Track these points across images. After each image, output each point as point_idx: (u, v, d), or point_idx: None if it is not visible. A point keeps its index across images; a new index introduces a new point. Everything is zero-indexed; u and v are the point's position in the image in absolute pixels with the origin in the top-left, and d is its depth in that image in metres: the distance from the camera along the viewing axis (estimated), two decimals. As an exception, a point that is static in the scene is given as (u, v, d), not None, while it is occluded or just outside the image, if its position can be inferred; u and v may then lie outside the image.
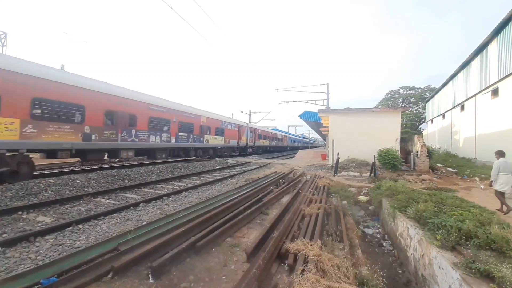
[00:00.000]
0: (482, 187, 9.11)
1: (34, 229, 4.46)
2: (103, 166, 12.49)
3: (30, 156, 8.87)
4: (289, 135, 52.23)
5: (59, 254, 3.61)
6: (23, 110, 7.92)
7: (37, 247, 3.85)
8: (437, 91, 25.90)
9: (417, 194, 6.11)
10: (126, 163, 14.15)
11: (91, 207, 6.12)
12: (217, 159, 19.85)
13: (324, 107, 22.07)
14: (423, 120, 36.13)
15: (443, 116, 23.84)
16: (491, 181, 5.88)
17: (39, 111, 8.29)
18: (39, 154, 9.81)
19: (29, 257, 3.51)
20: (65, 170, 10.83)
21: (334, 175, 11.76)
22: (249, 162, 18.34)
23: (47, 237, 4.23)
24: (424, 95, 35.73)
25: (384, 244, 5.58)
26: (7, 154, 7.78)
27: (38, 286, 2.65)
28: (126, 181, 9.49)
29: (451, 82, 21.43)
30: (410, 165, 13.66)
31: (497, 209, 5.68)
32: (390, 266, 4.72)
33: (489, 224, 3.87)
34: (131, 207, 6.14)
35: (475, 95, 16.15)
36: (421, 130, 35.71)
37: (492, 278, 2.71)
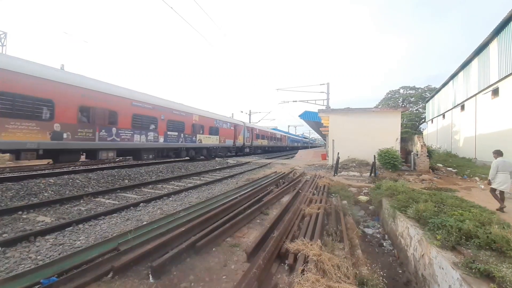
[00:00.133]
0: (482, 187, 9.10)
1: (34, 229, 4.46)
2: (103, 166, 12.47)
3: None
4: (288, 135, 51.26)
5: (59, 254, 3.61)
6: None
7: (37, 247, 3.85)
8: (437, 91, 25.89)
9: (417, 194, 6.12)
10: (126, 163, 13.90)
11: (91, 207, 6.12)
12: (217, 159, 19.82)
13: (324, 107, 22.06)
14: (423, 120, 36.11)
15: (443, 116, 23.83)
16: (489, 180, 6.00)
17: None
18: (8, 155, 9.24)
19: (29, 257, 3.51)
20: (65, 170, 10.83)
21: (334, 175, 11.76)
22: (249, 162, 18.35)
23: (47, 237, 4.23)
24: (424, 95, 35.72)
25: (384, 244, 5.59)
26: None
27: (38, 286, 2.65)
28: (126, 181, 9.49)
29: (451, 82, 21.42)
30: (410, 165, 13.66)
31: (497, 209, 5.69)
32: (390, 266, 4.72)
33: (489, 224, 3.87)
34: (131, 207, 6.15)
35: (475, 95, 16.14)
36: (421, 130, 35.71)
37: (492, 278, 2.71)
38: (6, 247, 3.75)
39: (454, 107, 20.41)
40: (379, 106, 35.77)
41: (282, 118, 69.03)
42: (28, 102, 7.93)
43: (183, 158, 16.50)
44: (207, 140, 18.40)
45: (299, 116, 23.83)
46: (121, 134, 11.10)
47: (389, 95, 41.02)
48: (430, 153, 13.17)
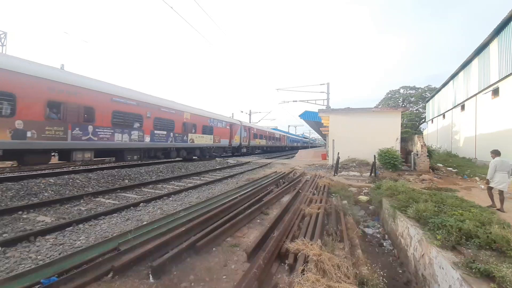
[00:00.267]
0: (483, 187, 9.10)
1: (34, 229, 4.47)
2: (103, 166, 12.47)
3: None
4: (287, 135, 50.21)
5: (59, 254, 3.61)
6: None
7: (37, 246, 3.85)
8: (438, 91, 25.88)
9: (417, 194, 6.12)
10: (126, 163, 13.46)
11: (91, 207, 6.12)
12: (217, 159, 19.76)
13: (324, 107, 22.06)
14: (423, 120, 36.10)
15: (444, 116, 23.82)
16: (488, 180, 6.05)
17: None
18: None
19: (30, 257, 3.52)
20: (65, 170, 10.83)
21: (334, 175, 11.76)
22: (249, 162, 18.37)
23: (47, 236, 4.23)
24: (425, 95, 35.71)
25: (384, 244, 5.58)
26: None
27: (38, 286, 2.65)
28: (126, 181, 9.50)
29: (451, 82, 21.42)
30: (410, 165, 13.65)
31: (497, 209, 5.69)
32: (390, 266, 4.72)
33: (490, 224, 3.87)
34: (131, 207, 6.15)
35: (475, 95, 16.13)
36: (422, 130, 35.69)
37: (492, 278, 2.71)
38: (6, 247, 3.75)
39: (454, 107, 20.40)
40: (379, 106, 35.78)
41: (282, 118, 69.10)
42: None
43: (174, 159, 15.58)
44: (200, 140, 17.37)
45: (299, 116, 23.84)
46: (99, 133, 9.97)
47: (389, 95, 41.01)
48: (430, 153, 13.17)
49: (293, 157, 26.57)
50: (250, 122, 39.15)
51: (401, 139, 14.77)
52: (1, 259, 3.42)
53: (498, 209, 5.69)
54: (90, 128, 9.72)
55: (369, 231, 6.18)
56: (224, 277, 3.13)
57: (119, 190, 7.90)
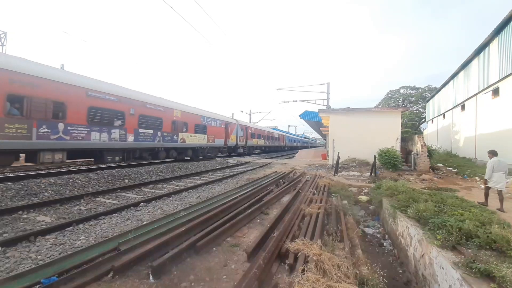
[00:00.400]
0: (483, 186, 9.08)
1: (34, 229, 4.47)
2: (103, 166, 12.45)
3: None
4: (287, 134, 49.19)
5: (59, 254, 3.61)
6: None
7: (37, 246, 3.85)
8: (438, 90, 25.87)
9: (417, 194, 6.12)
10: (126, 163, 13.05)
11: (91, 207, 6.12)
12: (217, 159, 19.70)
13: (324, 107, 22.06)
14: (423, 120, 36.10)
15: (444, 116, 23.82)
16: (486, 180, 6.10)
17: None
18: None
19: (30, 257, 3.52)
20: (65, 170, 10.84)
21: (334, 175, 11.76)
22: (249, 162, 18.37)
23: (47, 236, 4.23)
24: (425, 95, 35.70)
25: (385, 243, 5.58)
26: None
27: (38, 286, 2.65)
28: (127, 180, 9.50)
29: (451, 81, 21.41)
30: (410, 164, 13.65)
31: (497, 209, 5.69)
32: (391, 266, 4.72)
33: (490, 224, 3.87)
34: (132, 207, 6.15)
35: (475, 94, 16.13)
36: (422, 129, 35.69)
37: (492, 277, 2.71)
38: (6, 246, 3.75)
39: (455, 107, 20.40)
40: (380, 106, 35.77)
41: (283, 118, 69.10)
42: None
43: (162, 160, 14.56)
44: (192, 140, 16.29)
45: (300, 116, 23.86)
46: (71, 131, 8.87)
47: (389, 95, 41.00)
48: (430, 153, 13.17)
49: (293, 157, 26.57)
50: (250, 122, 38.97)
51: (401, 139, 14.77)
52: (1, 259, 3.41)
53: (498, 209, 5.69)
54: (61, 125, 8.59)
55: (369, 231, 6.18)
56: (224, 277, 3.13)
57: (119, 190, 7.90)
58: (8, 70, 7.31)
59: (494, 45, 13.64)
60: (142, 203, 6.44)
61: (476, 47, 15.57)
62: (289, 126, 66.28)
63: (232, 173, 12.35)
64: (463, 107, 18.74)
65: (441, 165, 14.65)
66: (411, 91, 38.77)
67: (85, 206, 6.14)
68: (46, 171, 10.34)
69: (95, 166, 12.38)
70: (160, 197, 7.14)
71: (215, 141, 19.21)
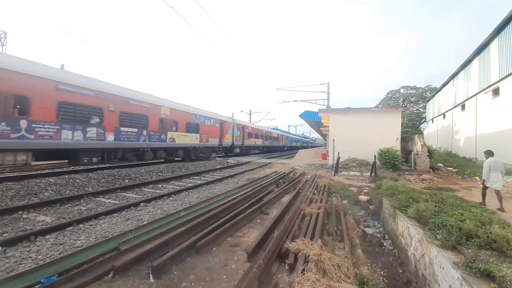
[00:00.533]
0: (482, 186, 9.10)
1: (34, 229, 4.47)
2: (104, 166, 12.45)
3: None
4: (286, 134, 48.17)
5: (59, 254, 3.62)
6: None
7: (37, 246, 3.85)
8: (438, 90, 25.86)
9: (417, 194, 6.12)
10: (127, 162, 12.81)
11: (91, 207, 6.13)
12: (217, 159, 19.65)
13: (324, 107, 22.06)
14: (423, 120, 36.08)
15: (444, 116, 23.80)
16: (483, 180, 6.13)
17: None
18: None
19: (30, 257, 3.52)
20: (65, 169, 10.84)
21: (334, 175, 11.75)
22: (249, 161, 18.38)
23: (47, 236, 4.24)
24: (425, 95, 35.68)
25: (385, 243, 5.58)
26: None
27: (38, 286, 2.66)
28: (127, 180, 9.50)
29: (451, 81, 21.40)
30: (410, 164, 13.65)
31: (497, 209, 5.70)
32: (391, 266, 4.71)
33: (490, 223, 3.86)
34: (132, 207, 6.15)
35: (475, 94, 16.11)
36: (422, 129, 35.68)
37: (492, 277, 2.71)
38: (6, 246, 3.76)
39: (455, 106, 20.39)
40: (380, 106, 35.76)
41: (283, 118, 69.11)
42: None
43: (148, 161, 13.61)
44: (183, 139, 15.26)
45: (300, 115, 23.87)
46: (37, 129, 7.93)
47: (389, 95, 40.98)
48: (430, 152, 13.17)
49: (293, 157, 26.57)
50: (250, 121, 38.84)
51: (401, 139, 14.76)
52: (1, 258, 3.42)
53: (498, 209, 5.69)
54: (23, 123, 7.65)
55: (369, 231, 6.18)
56: (224, 276, 3.13)
57: (119, 190, 7.90)
58: None
59: (494, 45, 13.62)
60: (142, 203, 6.45)
61: (476, 47, 15.56)
62: (289, 126, 66.33)
63: (232, 173, 12.35)
64: (463, 107, 18.73)
65: (441, 165, 14.64)
66: (411, 91, 38.75)
67: (85, 206, 6.14)
68: (46, 171, 10.34)
69: (95, 166, 12.35)
70: (160, 197, 7.14)
71: (208, 141, 18.30)
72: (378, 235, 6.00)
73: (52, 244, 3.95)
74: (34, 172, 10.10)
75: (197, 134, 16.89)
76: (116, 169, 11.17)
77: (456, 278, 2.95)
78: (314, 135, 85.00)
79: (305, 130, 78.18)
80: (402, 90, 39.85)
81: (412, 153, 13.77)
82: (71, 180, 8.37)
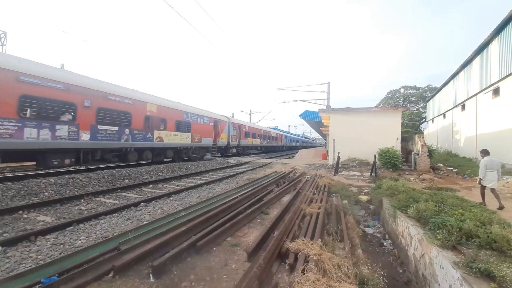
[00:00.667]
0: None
1: (35, 229, 4.47)
2: (104, 165, 12.44)
3: None
4: (285, 134, 47.22)
5: (60, 254, 3.62)
6: None
7: (38, 246, 3.86)
8: (438, 90, 25.84)
9: (417, 194, 6.12)
10: (127, 162, 12.51)
11: (91, 207, 6.13)
12: (217, 159, 19.57)
13: (324, 107, 22.07)
14: (424, 120, 36.08)
15: (444, 116, 23.79)
16: (480, 179, 6.17)
17: None
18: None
19: (30, 257, 3.52)
20: (65, 169, 10.84)
21: (334, 175, 11.75)
22: (249, 161, 18.38)
23: (48, 236, 4.24)
24: (425, 95, 35.66)
25: (385, 243, 5.58)
26: None
27: (39, 285, 2.66)
28: (127, 180, 9.50)
29: (452, 81, 21.39)
30: (410, 164, 13.65)
31: (498, 208, 5.70)
32: (391, 266, 4.72)
33: (490, 223, 3.86)
34: (132, 207, 6.15)
35: (476, 94, 16.10)
36: (422, 129, 35.67)
37: (492, 277, 2.71)
38: (7, 246, 3.76)
39: (455, 106, 20.38)
40: (380, 106, 35.75)
41: (283, 118, 69.11)
42: None
43: (133, 163, 12.56)
44: (173, 139, 14.30)
45: (300, 115, 23.88)
46: None
47: (389, 95, 40.97)
48: (430, 152, 13.16)
49: (293, 157, 26.58)
50: (250, 121, 38.73)
51: (401, 138, 14.76)
52: (1, 258, 3.42)
53: (498, 208, 5.71)
54: None
55: (369, 230, 6.18)
56: (224, 276, 3.14)
57: (119, 190, 7.91)
58: None
59: (494, 44, 13.61)
60: (142, 203, 6.45)
61: (476, 46, 15.55)
62: (289, 126, 66.36)
63: (232, 173, 12.36)
64: (463, 107, 18.72)
65: (441, 165, 14.64)
66: (412, 91, 38.74)
67: (86, 206, 6.15)
68: (47, 171, 10.34)
69: (95, 166, 12.35)
70: (160, 197, 7.14)
71: (201, 141, 17.35)
72: (378, 235, 6.00)
73: (52, 244, 3.95)
74: (34, 172, 10.10)
75: (189, 133, 15.94)
76: (116, 169, 11.17)
77: (456, 278, 2.95)
78: (314, 135, 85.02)
79: (305, 130, 78.22)
80: (402, 90, 39.84)
81: (412, 153, 13.76)
82: (71, 180, 8.37)
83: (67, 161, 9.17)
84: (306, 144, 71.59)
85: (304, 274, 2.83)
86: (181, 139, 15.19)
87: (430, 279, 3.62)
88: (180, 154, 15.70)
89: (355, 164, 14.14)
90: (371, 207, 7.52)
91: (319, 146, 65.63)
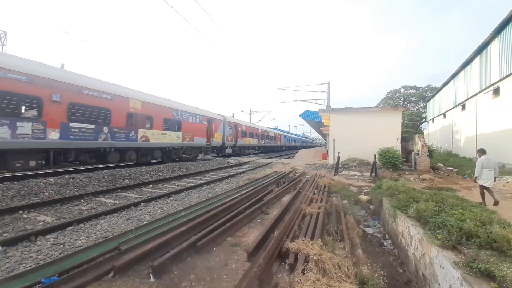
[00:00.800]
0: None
1: (35, 229, 4.48)
2: (104, 165, 12.43)
3: None
4: (284, 133, 46.20)
5: (60, 254, 3.62)
6: None
7: (38, 246, 3.86)
8: (438, 90, 25.84)
9: (417, 194, 6.12)
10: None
11: (92, 207, 6.13)
12: (217, 158, 19.49)
13: (324, 107, 22.06)
14: (424, 120, 36.09)
15: (444, 116, 23.79)
16: (475, 177, 6.26)
17: None
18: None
19: (30, 256, 3.52)
20: (65, 169, 10.83)
21: (334, 175, 11.75)
22: (249, 161, 18.37)
23: (48, 236, 4.24)
24: (425, 95, 35.67)
25: (385, 243, 5.58)
26: None
27: (39, 285, 2.66)
28: (127, 180, 9.50)
29: (452, 81, 21.39)
30: (411, 164, 13.64)
31: (493, 205, 5.78)
32: (391, 266, 4.72)
33: (490, 223, 3.86)
34: (132, 207, 6.15)
35: (476, 94, 16.11)
36: (422, 129, 35.67)
37: (493, 277, 2.71)
38: (7, 246, 3.76)
39: (455, 106, 20.38)
40: (380, 106, 35.75)
41: (283, 118, 69.11)
42: None
43: (115, 164, 11.72)
44: (160, 138, 13.30)
45: (300, 115, 23.88)
46: None
47: (389, 95, 40.98)
48: (431, 152, 13.16)
49: (293, 157, 26.58)
50: (250, 121, 38.61)
51: (401, 138, 14.76)
52: (2, 258, 3.42)
53: (494, 204, 5.79)
54: None
55: (369, 230, 6.18)
56: (224, 276, 3.14)
57: (119, 190, 7.91)
58: None
59: (494, 44, 13.61)
60: (142, 203, 6.45)
61: (476, 46, 15.55)
62: (289, 125, 66.37)
63: (232, 173, 12.35)
64: (463, 107, 18.72)
65: (441, 164, 14.64)
66: (412, 91, 38.75)
67: (86, 206, 6.15)
68: (47, 171, 10.34)
69: (95, 166, 12.34)
70: (160, 196, 7.15)
71: (193, 140, 16.31)
72: (378, 235, 6.00)
73: (52, 244, 3.95)
74: (35, 172, 10.10)
75: (179, 132, 14.86)
76: (116, 169, 11.16)
77: (456, 278, 2.95)
78: (314, 135, 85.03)
79: (305, 130, 78.23)
80: (402, 90, 39.86)
81: (413, 153, 13.76)
82: (71, 180, 8.37)
83: (32, 163, 8.07)
84: (306, 144, 71.53)
85: (304, 274, 2.83)
86: (170, 138, 14.19)
87: (430, 279, 3.62)
88: (169, 154, 14.81)
89: (355, 164, 14.14)
90: (371, 207, 7.52)
91: (319, 146, 65.63)
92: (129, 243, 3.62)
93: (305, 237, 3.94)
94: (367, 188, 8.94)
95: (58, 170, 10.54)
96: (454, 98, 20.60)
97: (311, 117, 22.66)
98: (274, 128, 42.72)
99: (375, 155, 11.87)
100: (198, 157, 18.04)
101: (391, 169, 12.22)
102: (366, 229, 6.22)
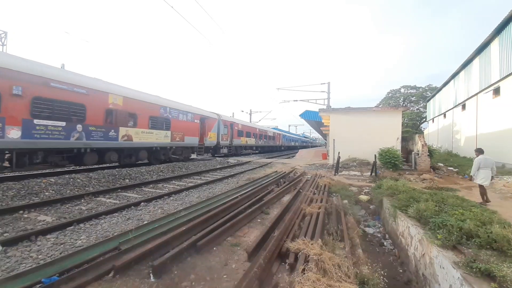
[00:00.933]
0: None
1: (35, 228, 4.48)
2: (104, 165, 12.42)
3: None
4: (283, 133, 45.17)
5: (60, 253, 3.62)
6: None
7: (38, 246, 3.86)
8: (438, 90, 25.84)
9: (418, 194, 6.12)
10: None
11: (92, 206, 6.13)
12: (217, 158, 19.47)
13: (325, 106, 22.06)
14: (424, 119, 36.08)
15: (444, 115, 23.79)
16: (471, 176, 6.36)
17: None
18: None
19: (31, 256, 3.53)
20: (66, 169, 10.83)
21: (335, 175, 11.75)
22: (250, 161, 18.37)
23: (48, 236, 4.24)
24: (425, 94, 35.67)
25: (385, 243, 5.59)
26: None
27: (39, 285, 2.66)
28: (127, 180, 9.51)
29: (452, 81, 21.38)
30: (411, 164, 13.64)
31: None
32: (391, 266, 4.72)
33: (490, 223, 3.86)
34: (132, 206, 6.16)
35: (476, 94, 16.10)
36: (422, 129, 35.67)
37: (493, 277, 2.71)
38: (7, 246, 3.76)
39: (455, 106, 20.37)
40: (380, 106, 35.74)
41: (283, 118, 69.25)
42: None
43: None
44: (146, 137, 12.27)
45: (300, 115, 23.89)
46: None
47: (390, 95, 40.98)
48: (431, 152, 13.16)
49: (293, 157, 26.58)
50: (250, 121, 38.51)
51: (402, 138, 14.76)
52: (2, 258, 3.42)
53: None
54: None
55: (369, 230, 6.19)
56: (224, 276, 3.14)
57: (120, 190, 7.91)
58: None
59: (495, 44, 13.61)
60: (142, 203, 6.45)
61: (476, 46, 15.55)
62: (289, 125, 66.44)
63: (232, 173, 12.35)
64: (463, 107, 18.72)
65: (441, 164, 14.64)
66: (412, 91, 38.74)
67: (86, 206, 6.15)
68: (47, 171, 10.35)
69: (95, 166, 12.33)
70: (160, 196, 7.15)
71: (184, 140, 15.27)
72: (379, 235, 6.00)
73: (52, 243, 3.96)
74: (35, 172, 10.10)
75: (168, 131, 13.84)
76: (116, 169, 11.16)
77: (456, 278, 2.95)
78: (315, 134, 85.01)
79: (305, 129, 78.27)
80: (402, 90, 39.85)
81: (413, 152, 13.76)
82: (71, 179, 8.37)
83: None
84: (306, 144, 71.50)
85: (304, 274, 2.83)
86: (158, 137, 13.10)
87: (430, 279, 3.63)
88: (157, 155, 13.72)
89: (355, 164, 14.13)
90: (371, 207, 7.52)
91: (319, 146, 65.60)
92: (129, 243, 3.62)
93: (305, 237, 3.94)
94: (367, 188, 8.94)
95: (58, 170, 10.56)
96: (454, 98, 20.60)
97: (311, 117, 22.67)
98: (273, 128, 42.59)
99: (375, 155, 11.87)
100: (190, 157, 17.25)
101: (391, 169, 12.22)
102: (366, 229, 6.22)
